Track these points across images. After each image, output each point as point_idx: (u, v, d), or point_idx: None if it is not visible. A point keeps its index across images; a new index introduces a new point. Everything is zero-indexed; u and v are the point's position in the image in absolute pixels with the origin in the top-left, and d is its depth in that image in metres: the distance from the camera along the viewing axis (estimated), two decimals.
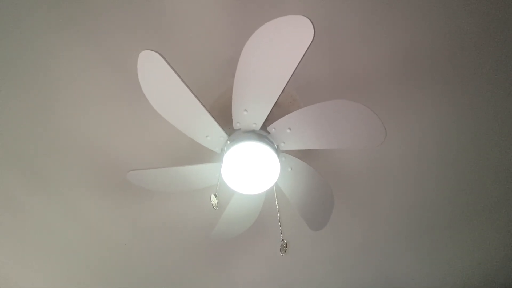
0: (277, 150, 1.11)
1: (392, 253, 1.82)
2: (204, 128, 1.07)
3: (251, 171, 1.03)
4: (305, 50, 0.89)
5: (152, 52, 0.88)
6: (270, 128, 1.10)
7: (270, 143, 1.08)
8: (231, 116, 1.10)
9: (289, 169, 1.20)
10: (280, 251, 0.83)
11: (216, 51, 1.17)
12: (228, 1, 1.08)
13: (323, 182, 1.22)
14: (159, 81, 0.95)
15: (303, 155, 1.38)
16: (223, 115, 1.27)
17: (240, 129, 1.10)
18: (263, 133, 1.09)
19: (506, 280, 2.00)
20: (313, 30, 0.84)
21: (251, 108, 1.03)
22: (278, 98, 1.00)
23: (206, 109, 1.01)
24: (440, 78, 1.22)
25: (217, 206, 0.73)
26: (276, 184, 1.23)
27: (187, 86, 0.96)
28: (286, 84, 0.97)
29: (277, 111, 1.31)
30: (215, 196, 0.74)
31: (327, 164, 1.45)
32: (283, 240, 0.86)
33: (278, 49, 0.91)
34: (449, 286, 2.04)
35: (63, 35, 1.09)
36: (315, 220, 1.30)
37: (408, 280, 1.99)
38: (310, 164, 1.23)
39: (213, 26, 1.12)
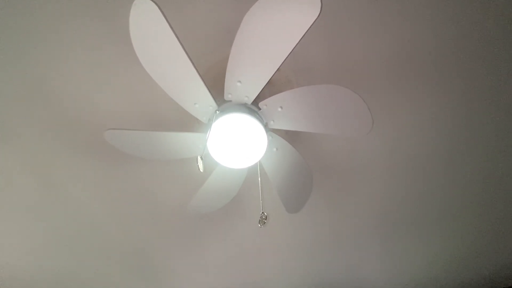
0: (266, 128, 1.10)
1: (363, 244, 1.91)
2: (193, 94, 1.03)
3: (237, 144, 1.01)
4: (309, 27, 0.87)
5: (149, 1, 0.81)
6: (261, 104, 1.08)
7: (260, 119, 1.06)
8: (223, 88, 1.07)
9: (275, 149, 1.19)
10: (259, 222, 0.83)
11: (216, 17, 1.11)
12: None
13: (306, 166, 1.24)
14: (152, 36, 0.89)
15: (289, 138, 1.38)
16: (215, 85, 1.23)
17: (231, 101, 1.07)
18: (254, 108, 1.07)
19: (474, 275, 2.16)
20: (320, 6, 0.82)
21: (245, 80, 1.00)
22: (273, 75, 0.98)
23: (199, 74, 0.97)
24: (433, 76, 1.26)
25: (203, 169, 0.71)
26: (260, 162, 1.22)
27: (182, 46, 0.91)
28: (284, 60, 0.95)
29: (270, 90, 1.29)
30: (201, 158, 0.72)
31: (311, 151, 1.46)
32: (263, 212, 0.86)
33: (280, 23, 0.88)
34: (415, 279, 2.18)
35: None
36: (292, 203, 1.32)
37: (376, 272, 2.10)
38: (295, 148, 1.24)
39: None
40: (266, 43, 0.92)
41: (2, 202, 1.53)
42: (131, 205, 1.58)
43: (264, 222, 0.82)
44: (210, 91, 1.02)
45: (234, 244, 1.81)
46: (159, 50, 0.92)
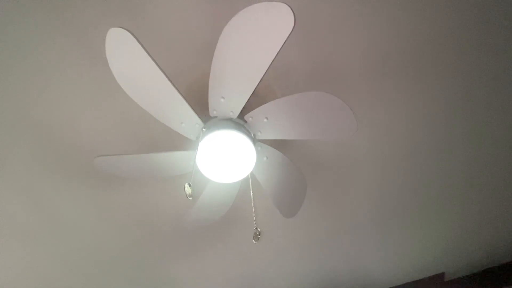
0: (254, 139, 1.11)
1: (360, 240, 1.94)
2: (179, 114, 1.03)
3: (226, 160, 1.02)
4: (285, 39, 0.88)
5: (122, 30, 0.81)
6: (247, 117, 1.09)
7: (247, 132, 1.07)
8: (207, 102, 1.07)
9: (265, 158, 1.21)
10: (253, 238, 0.84)
11: (192, 34, 1.11)
12: None
13: (298, 172, 1.25)
14: (130, 63, 0.89)
15: (278, 144, 1.39)
16: (199, 100, 1.24)
17: (216, 116, 1.08)
18: (240, 121, 1.08)
19: (469, 263, 2.22)
20: (293, 19, 0.84)
21: (229, 96, 1.01)
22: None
23: (181, 95, 0.97)
24: (412, 74, 1.28)
25: (191, 196, 0.72)
26: (251, 172, 1.24)
27: (161, 69, 0.91)
28: (265, 73, 0.96)
29: (254, 100, 1.30)
30: (189, 185, 0.72)
31: (300, 153, 1.48)
32: (256, 228, 0.87)
33: (257, 37, 0.89)
34: (415, 264, 2.23)
35: (23, 4, 0.97)
36: (287, 208, 1.34)
37: (375, 266, 2.14)
38: (285, 153, 1.26)
39: (189, 7, 1.06)
40: (245, 57, 0.93)
41: None
42: (127, 221, 1.58)
43: (258, 238, 0.83)
44: (194, 110, 1.02)
45: (233, 250, 1.83)
46: (139, 76, 0.92)
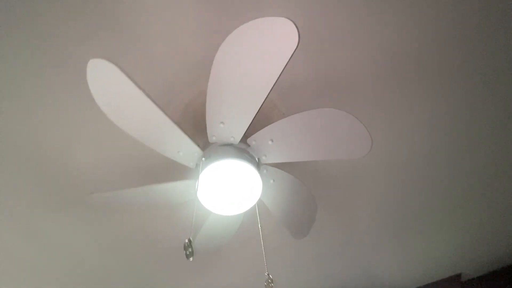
0: (258, 165, 1.01)
1: (374, 249, 1.87)
2: (175, 143, 0.94)
3: (229, 191, 0.93)
4: (289, 58, 0.77)
5: (102, 61, 0.71)
6: (250, 140, 0.99)
7: (251, 158, 0.98)
8: (205, 126, 0.97)
9: (271, 181, 1.11)
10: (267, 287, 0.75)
11: (185, 51, 1.01)
12: None
13: (307, 192, 1.16)
14: (116, 94, 0.79)
15: (283, 163, 1.30)
16: (196, 122, 1.14)
17: (216, 142, 0.98)
18: (242, 146, 0.98)
19: (486, 262, 2.16)
20: (297, 35, 0.73)
21: (229, 121, 0.91)
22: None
23: (175, 123, 0.88)
24: (422, 81, 1.17)
25: (192, 256, 0.62)
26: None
27: (150, 98, 0.81)
28: (268, 95, 0.85)
29: (256, 118, 1.20)
30: (190, 242, 0.63)
31: (306, 169, 1.39)
32: (268, 274, 0.78)
33: (258, 55, 0.78)
34: (428, 273, 2.16)
35: (11, 37, 0.88)
36: (298, 229, 1.25)
37: (391, 271, 2.07)
38: (291, 171, 1.16)
39: (181, 22, 0.95)
40: (245, 78, 0.83)
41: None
42: (132, 252, 1.51)
43: (271, 286, 0.75)
44: (191, 138, 0.93)
45: (241, 265, 1.76)
46: (127, 107, 0.82)
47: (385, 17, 1.00)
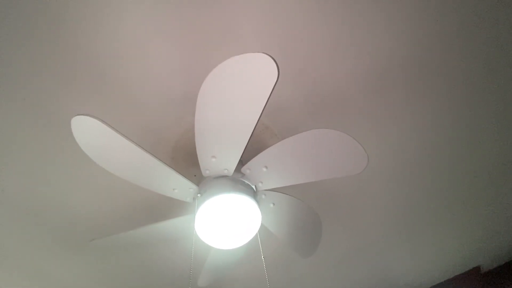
0: (255, 192, 1.00)
1: (388, 252, 1.84)
2: (169, 182, 0.93)
3: (228, 224, 0.92)
4: (271, 90, 0.76)
5: (86, 117, 0.71)
6: (244, 169, 0.98)
7: (246, 187, 0.96)
8: (197, 159, 0.97)
9: (271, 205, 1.10)
10: None
11: (171, 88, 1.01)
12: (173, 35, 0.91)
13: (309, 210, 1.14)
14: (104, 146, 0.79)
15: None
16: (188, 156, 1.13)
17: (210, 176, 0.97)
18: (237, 176, 0.97)
19: (504, 253, 2.11)
20: (276, 69, 0.72)
21: (220, 155, 0.90)
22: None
23: (166, 164, 0.87)
24: (410, 88, 1.15)
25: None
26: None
27: (138, 145, 0.81)
28: (256, 126, 0.84)
29: (251, 143, 1.19)
30: None
31: (307, 187, 1.36)
32: None
33: (241, 90, 0.78)
34: (446, 269, 2.12)
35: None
36: (304, 249, 1.24)
37: (408, 271, 2.04)
38: (291, 191, 1.15)
39: (160, 62, 0.95)
40: (231, 112, 0.82)
41: None
42: (132, 284, 1.50)
43: None
44: (184, 176, 0.92)
45: (257, 283, 1.75)
46: (116, 156, 0.82)
47: (366, 33, 0.99)
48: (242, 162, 1.01)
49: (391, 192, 1.53)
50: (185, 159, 1.11)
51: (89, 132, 0.75)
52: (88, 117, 0.71)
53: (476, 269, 2.23)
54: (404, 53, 1.06)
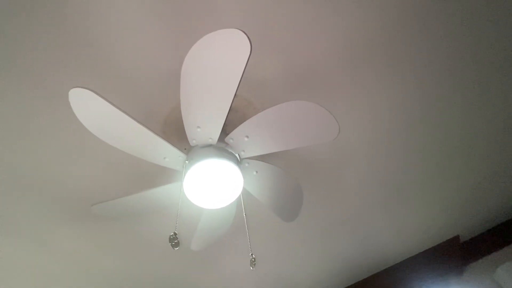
0: (239, 160, 1.11)
1: (368, 223, 1.96)
2: (160, 151, 1.04)
3: (214, 187, 1.03)
4: (245, 64, 0.86)
5: (83, 89, 0.81)
6: (227, 139, 1.09)
7: (230, 155, 1.08)
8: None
9: (255, 173, 1.21)
10: (250, 265, 0.87)
11: (159, 66, 1.10)
12: (161, 13, 0.99)
13: (290, 179, 1.26)
14: (99, 117, 0.90)
15: (266, 154, 1.39)
16: (179, 128, 1.24)
17: (197, 145, 1.08)
18: (221, 145, 1.08)
19: (481, 222, 2.24)
20: (249, 44, 0.82)
21: (204, 125, 1.01)
22: (231, 105, 0.98)
23: (157, 134, 0.98)
24: (386, 62, 1.24)
25: (178, 246, 0.73)
26: (243, 188, 1.25)
27: (131, 116, 0.91)
28: (234, 96, 0.95)
29: (234, 116, 1.29)
30: (175, 234, 0.74)
31: (292, 155, 1.48)
32: (251, 254, 0.90)
33: (218, 64, 0.87)
34: (426, 239, 2.26)
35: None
36: (287, 213, 1.36)
37: (389, 242, 2.17)
38: (274, 161, 1.26)
39: (147, 39, 1.04)
40: (211, 85, 0.92)
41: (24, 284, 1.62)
42: (143, 253, 1.64)
43: (255, 264, 0.86)
44: (173, 145, 1.03)
45: (246, 255, 1.89)
46: (112, 126, 0.93)
47: (344, 7, 1.07)
48: (226, 132, 1.12)
49: (370, 163, 1.63)
50: (176, 133, 1.22)
51: (86, 104, 0.85)
52: (84, 90, 0.81)
53: (456, 238, 2.38)
54: (378, 32, 1.15)
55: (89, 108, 0.87)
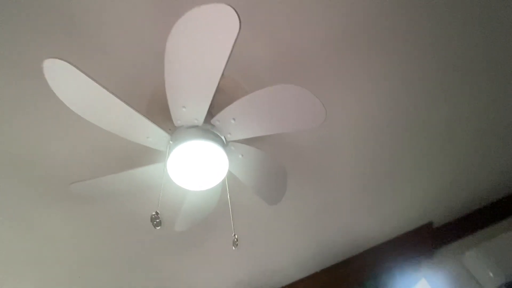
0: (224, 142, 1.10)
1: (348, 209, 2.03)
2: (142, 130, 1.01)
3: (199, 169, 1.02)
4: (234, 42, 0.83)
5: (58, 60, 0.76)
6: (214, 120, 1.07)
7: (216, 137, 1.06)
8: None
9: (240, 156, 1.21)
10: (233, 245, 0.88)
11: (145, 44, 1.05)
12: None
13: (275, 163, 1.26)
14: (77, 91, 0.85)
15: (251, 138, 1.39)
16: (164, 108, 1.20)
17: (182, 126, 1.05)
18: (206, 127, 1.06)
19: (454, 210, 2.36)
20: (238, 21, 0.78)
21: (189, 105, 0.98)
22: (219, 86, 0.95)
23: (139, 112, 0.94)
24: (376, 47, 1.24)
25: (160, 225, 0.73)
26: (228, 173, 1.25)
27: (111, 92, 0.87)
28: (222, 76, 0.92)
29: (222, 98, 1.26)
30: (157, 214, 0.73)
31: (278, 141, 1.48)
32: (234, 235, 0.91)
33: (205, 41, 0.84)
34: (401, 225, 2.38)
35: None
36: (271, 197, 1.38)
37: (367, 227, 2.27)
38: (259, 145, 1.25)
39: (132, 15, 0.98)
40: (197, 63, 0.89)
41: None
42: (120, 234, 1.62)
43: (237, 244, 0.88)
44: (157, 124, 1.00)
45: (231, 237, 1.91)
46: (91, 102, 0.88)
47: None
48: (212, 114, 1.10)
49: (352, 153, 1.67)
50: (160, 113, 1.18)
51: (62, 76, 0.80)
52: (60, 61, 0.76)
53: (429, 225, 2.52)
54: (371, 20, 1.14)
55: (67, 81, 0.82)
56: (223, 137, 1.10)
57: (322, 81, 1.31)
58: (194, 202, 1.27)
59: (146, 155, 1.27)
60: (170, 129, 1.13)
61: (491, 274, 2.01)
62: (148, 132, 1.02)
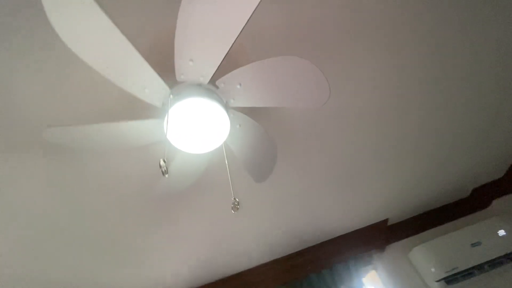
0: (226, 107, 1.05)
1: (319, 197, 2.10)
2: (141, 79, 0.91)
3: (198, 129, 0.96)
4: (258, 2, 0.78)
5: None
6: (219, 82, 1.01)
7: (219, 99, 1.00)
8: (173, 64, 0.95)
9: (238, 126, 1.17)
10: (232, 209, 0.85)
11: None
12: None
13: (269, 140, 1.25)
14: (76, 18, 0.73)
15: (249, 110, 1.35)
16: (164, 62, 1.10)
17: (184, 81, 0.98)
18: (211, 87, 1.00)
19: (409, 208, 2.56)
20: None
21: (198, 59, 0.91)
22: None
23: (142, 56, 0.85)
24: (376, 36, 1.29)
25: (167, 173, 0.67)
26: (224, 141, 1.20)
27: (115, 25, 0.77)
28: (239, 35, 0.87)
29: (224, 63, 1.20)
30: (164, 161, 0.67)
31: (274, 118, 1.47)
32: (234, 198, 0.87)
33: None
34: (359, 220, 2.54)
35: None
36: (259, 174, 1.36)
37: (332, 217, 2.38)
38: (256, 116, 1.22)
39: None
40: (217, 13, 0.82)
41: None
42: (94, 199, 1.47)
43: (237, 208, 0.84)
44: (159, 74, 0.91)
45: (205, 215, 1.86)
46: (89, 33, 0.76)
47: None
48: (215, 78, 1.03)
49: (336, 141, 1.73)
50: (162, 64, 1.08)
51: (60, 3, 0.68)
52: None
53: (385, 221, 2.75)
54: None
55: (65, 5, 0.70)
56: (225, 101, 1.05)
57: (328, 62, 1.31)
58: (180, 170, 1.20)
59: (136, 111, 1.16)
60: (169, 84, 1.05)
61: (432, 269, 2.26)
62: (146, 82, 0.92)
